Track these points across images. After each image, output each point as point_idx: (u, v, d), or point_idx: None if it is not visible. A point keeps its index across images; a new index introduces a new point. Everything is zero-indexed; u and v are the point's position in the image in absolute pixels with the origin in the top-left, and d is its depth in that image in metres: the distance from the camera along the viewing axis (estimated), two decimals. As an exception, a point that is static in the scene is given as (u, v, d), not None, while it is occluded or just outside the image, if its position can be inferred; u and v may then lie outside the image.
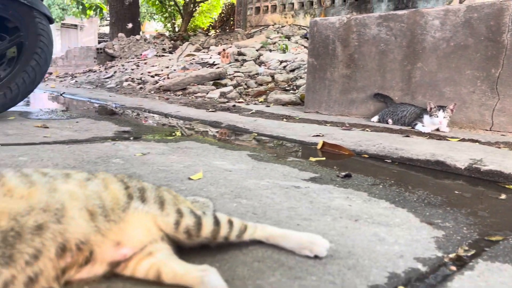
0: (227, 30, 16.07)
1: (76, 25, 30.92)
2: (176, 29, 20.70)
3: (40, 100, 6.50)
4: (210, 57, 9.76)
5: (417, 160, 2.66)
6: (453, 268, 1.17)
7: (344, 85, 5.02)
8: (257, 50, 10.12)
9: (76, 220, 0.96)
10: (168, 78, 8.48)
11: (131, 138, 3.20)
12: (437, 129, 3.82)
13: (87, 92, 7.71)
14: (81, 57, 12.17)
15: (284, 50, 9.97)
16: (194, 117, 4.73)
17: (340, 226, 1.47)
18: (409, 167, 2.60)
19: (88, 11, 14.45)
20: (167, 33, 16.09)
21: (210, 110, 5.38)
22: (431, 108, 3.79)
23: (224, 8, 21.94)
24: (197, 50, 11.13)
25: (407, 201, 1.82)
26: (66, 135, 3.18)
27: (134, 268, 1.00)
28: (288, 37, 11.45)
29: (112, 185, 1.10)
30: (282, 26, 12.84)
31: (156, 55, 10.95)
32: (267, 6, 13.90)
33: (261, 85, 7.63)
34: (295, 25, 12.78)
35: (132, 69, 9.79)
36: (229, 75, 8.19)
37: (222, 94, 7.07)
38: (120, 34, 12.72)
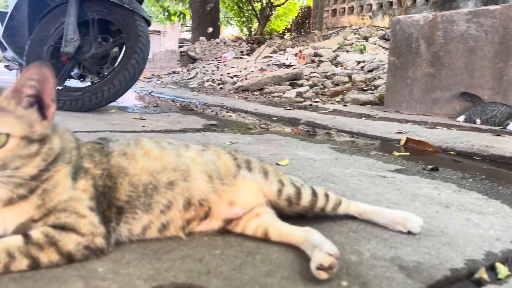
0: (303, 33, 16.14)
1: (159, 31, 32.95)
2: (252, 33, 21.21)
3: (132, 97, 7.11)
4: (287, 59, 9.91)
5: (510, 158, 2.54)
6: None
7: (427, 83, 4.86)
8: (333, 51, 10.08)
9: (198, 180, 1.11)
10: (246, 78, 8.78)
11: (218, 130, 3.42)
12: (533, 130, 3.56)
13: (172, 91, 8.25)
14: (166, 60, 13.03)
15: (361, 51, 9.82)
16: (273, 114, 4.88)
17: (430, 210, 1.49)
18: (501, 164, 2.49)
19: (172, 17, 15.45)
20: (243, 37, 16.59)
21: (287, 108, 5.51)
22: (526, 107, 3.55)
23: (299, 11, 22.06)
24: (274, 52, 11.36)
25: (500, 194, 1.78)
26: (160, 126, 3.49)
27: (244, 226, 1.13)
28: (365, 38, 11.24)
29: (223, 155, 1.25)
30: (359, 28, 12.62)
31: (235, 57, 11.37)
32: (344, 8, 13.74)
33: (338, 85, 7.61)
34: (373, 26, 12.50)
35: (213, 71, 10.28)
36: (305, 75, 8.26)
37: (299, 94, 7.17)
38: (201, 38, 13.40)
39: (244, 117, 4.71)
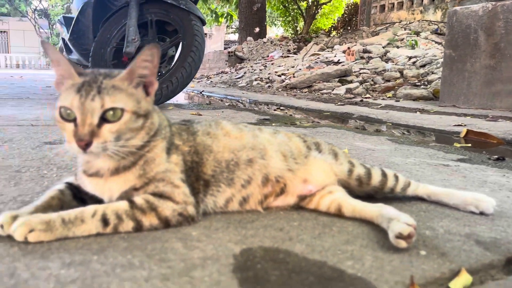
0: (349, 30, 15.90)
1: (205, 34, 33.74)
2: (298, 32, 21.17)
3: (185, 97, 7.37)
4: (335, 56, 9.84)
5: None
6: None
7: (486, 76, 4.67)
8: (383, 47, 9.87)
9: (274, 158, 1.19)
10: (294, 76, 8.81)
11: (272, 124, 3.50)
12: None
13: (222, 90, 8.47)
14: (214, 60, 13.35)
15: (413, 46, 9.54)
16: (324, 109, 4.89)
17: (500, 195, 1.47)
18: None
19: (220, 19, 15.79)
20: (289, 36, 16.61)
21: (338, 104, 5.49)
22: None
23: (346, 9, 21.74)
24: (321, 49, 11.30)
25: None
26: (217, 120, 3.62)
27: (318, 203, 1.19)
28: (416, 33, 10.91)
29: (293, 138, 1.32)
30: (410, 23, 12.26)
31: (282, 56, 11.44)
32: (393, 4, 13.41)
33: (389, 81, 7.46)
34: (424, 20, 12.10)
35: (260, 70, 10.41)
36: (355, 72, 8.17)
37: (348, 90, 7.11)
38: (248, 38, 13.61)
39: (295, 113, 4.76)
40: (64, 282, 0.73)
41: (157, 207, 0.98)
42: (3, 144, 1.95)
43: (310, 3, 19.32)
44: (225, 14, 15.86)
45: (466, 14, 4.84)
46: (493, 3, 4.70)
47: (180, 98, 6.75)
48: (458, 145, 2.64)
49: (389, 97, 6.45)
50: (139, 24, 4.32)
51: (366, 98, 6.36)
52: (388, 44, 10.20)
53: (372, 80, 7.51)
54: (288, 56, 11.45)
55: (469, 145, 2.67)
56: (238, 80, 10.07)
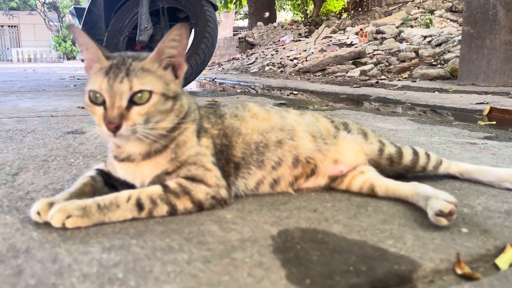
0: (361, 11, 15.60)
1: (215, 20, 33.48)
2: (308, 15, 20.86)
3: (198, 84, 7.36)
4: (347, 38, 9.68)
5: None
6: None
7: (507, 53, 4.55)
8: (396, 27, 9.68)
9: (304, 139, 1.17)
10: (307, 60, 8.71)
11: (289, 108, 3.46)
12: None
13: (234, 77, 8.42)
14: (225, 47, 13.27)
15: (427, 25, 9.33)
16: (340, 92, 4.84)
17: (534, 172, 1.43)
18: None
19: (229, 5, 15.63)
20: (299, 20, 16.36)
21: (354, 86, 5.42)
22: None
23: (357, -11, 21.27)
24: (333, 32, 11.13)
25: None
26: (233, 106, 3.60)
27: (349, 183, 1.17)
28: (431, 12, 10.65)
29: (321, 118, 1.29)
30: (423, 1, 11.97)
31: (293, 40, 11.31)
32: (406, -18, 13.08)
33: (404, 61, 7.33)
34: (439, -2, 11.79)
35: (272, 55, 10.32)
36: (368, 53, 8.04)
37: (363, 72, 7.01)
38: (258, 23, 13.46)
39: (310, 97, 4.71)
40: (107, 265, 0.72)
41: (190, 190, 0.97)
42: (26, 134, 1.97)
43: (320, -15, 18.95)
44: (235, 0, 15.69)
45: (485, -11, 4.69)
46: (513, -24, 4.55)
47: (193, 86, 6.74)
48: (482, 123, 2.58)
49: (404, 77, 6.34)
50: (150, 12, 4.29)
51: (381, 79, 6.26)
52: (402, 24, 9.99)
53: (387, 61, 7.38)
54: (300, 40, 11.31)
55: (494, 123, 2.61)
56: (250, 66, 10.00)
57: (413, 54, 7.40)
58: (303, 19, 19.03)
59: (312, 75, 7.71)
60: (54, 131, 2.09)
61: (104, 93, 0.92)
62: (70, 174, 1.32)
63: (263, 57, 10.38)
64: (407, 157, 1.24)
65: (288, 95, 4.93)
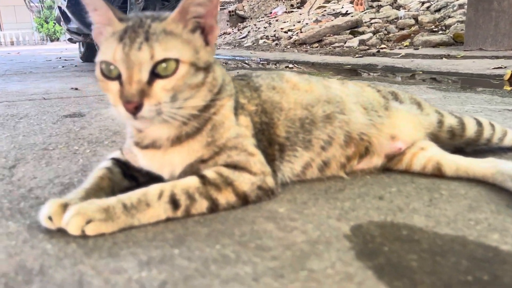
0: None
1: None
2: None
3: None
4: (342, 7, 9.38)
5: None
6: None
7: (517, 14, 4.35)
8: (392, -6, 9.37)
9: (355, 112, 0.99)
10: (302, 32, 8.42)
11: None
12: None
13: (227, 52, 8.12)
14: (214, 21, 12.78)
15: (424, -10, 9.03)
16: (344, 62, 4.63)
17: None
18: None
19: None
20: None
21: (356, 56, 5.20)
22: None
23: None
24: (326, 1, 10.77)
25: None
26: (236, 81, 3.39)
27: (409, 162, 1.00)
28: (426, -24, 10.32)
29: (365, 87, 1.11)
30: (417, -34, 11.59)
31: (286, 12, 10.93)
32: None
33: (403, 29, 7.09)
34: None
35: (265, 27, 9.98)
36: (366, 22, 7.77)
37: (361, 42, 6.77)
38: (248, -5, 12.96)
39: (313, 69, 4.50)
40: (151, 289, 0.55)
41: (233, 181, 0.80)
42: (19, 120, 1.76)
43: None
44: (221, -28, 15.10)
45: None
46: None
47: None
48: (509, 88, 2.41)
49: (406, 45, 6.13)
50: (141, -16, 4.00)
51: (382, 48, 6.04)
52: (398, -10, 9.68)
53: (385, 30, 7.14)
54: (292, 11, 10.94)
55: (520, 87, 2.45)
56: (243, 40, 9.68)
57: (412, 21, 7.15)
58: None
59: (309, 46, 7.46)
60: (50, 115, 1.88)
61: (119, 64, 0.73)
62: (76, 164, 1.13)
63: (256, 30, 10.05)
64: (471, 128, 1.07)
65: (292, 69, 4.71)
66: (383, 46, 6.37)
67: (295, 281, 0.56)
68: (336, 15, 8.96)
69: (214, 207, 0.78)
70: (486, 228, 0.70)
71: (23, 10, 29.60)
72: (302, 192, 0.89)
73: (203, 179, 0.78)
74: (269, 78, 1.01)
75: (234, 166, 0.81)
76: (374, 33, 7.13)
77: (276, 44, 8.38)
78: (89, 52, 6.28)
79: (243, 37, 9.83)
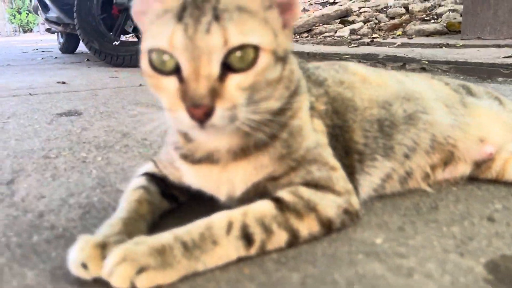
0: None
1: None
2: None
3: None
4: (329, -4, 9.20)
5: None
6: None
7: (516, 2, 4.27)
8: (379, -17, 9.26)
9: (438, 111, 0.82)
10: (289, 21, 8.23)
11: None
12: None
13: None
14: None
15: (411, -21, 8.95)
16: (341, 52, 4.47)
17: None
18: None
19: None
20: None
21: (352, 46, 5.05)
22: None
23: None
24: (312, -10, 10.59)
25: None
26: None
27: (501, 170, 0.83)
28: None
29: (430, 80, 0.94)
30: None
31: None
32: None
33: (393, 18, 6.98)
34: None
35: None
36: (355, 11, 7.64)
37: (352, 32, 6.63)
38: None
39: (309, 59, 4.32)
40: None
41: (316, 204, 0.62)
42: (7, 120, 1.53)
43: None
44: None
45: None
46: None
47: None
48: (531, 78, 2.30)
49: (398, 35, 6.02)
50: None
51: (374, 38, 5.92)
52: (384, -22, 9.57)
53: (376, 19, 7.02)
54: None
55: (540, 77, 2.34)
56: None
57: (403, 10, 7.06)
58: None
59: (298, 36, 7.28)
60: (41, 113, 1.65)
61: (178, 53, 0.53)
62: (90, 177, 0.93)
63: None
64: None
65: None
66: (375, 35, 6.25)
67: None
68: (324, 4, 8.80)
69: (293, 240, 0.60)
70: None
71: (-7, 0, 28.30)
72: (388, 212, 0.72)
73: (280, 203, 0.60)
74: (332, 70, 0.82)
75: (315, 185, 0.63)
76: (365, 22, 7.00)
77: (264, 34, 8.17)
78: (69, 43, 5.95)
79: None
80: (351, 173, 0.71)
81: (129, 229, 0.59)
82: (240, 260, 0.57)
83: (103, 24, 3.83)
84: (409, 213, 0.71)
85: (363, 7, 7.83)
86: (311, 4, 8.88)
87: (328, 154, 0.66)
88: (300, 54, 4.84)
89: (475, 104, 0.89)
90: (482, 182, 0.84)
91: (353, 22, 7.15)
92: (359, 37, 6.29)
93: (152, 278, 0.51)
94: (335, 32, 6.85)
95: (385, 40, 5.55)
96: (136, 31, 4.49)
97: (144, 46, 0.56)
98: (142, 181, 0.71)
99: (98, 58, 3.83)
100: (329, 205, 0.63)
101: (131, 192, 0.68)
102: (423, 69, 2.95)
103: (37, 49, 7.08)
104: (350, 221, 0.65)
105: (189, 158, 0.65)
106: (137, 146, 1.16)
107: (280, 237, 0.59)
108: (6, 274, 0.55)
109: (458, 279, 0.52)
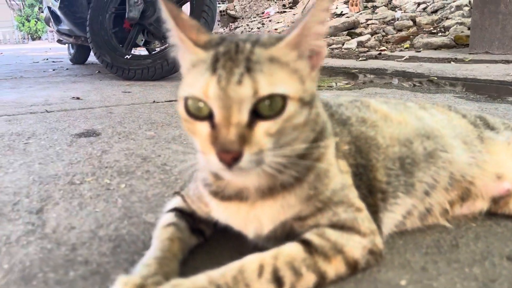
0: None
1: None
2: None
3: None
4: (336, 7, 9.27)
5: None
6: None
7: (524, 17, 4.29)
8: (386, -6, 9.32)
9: (456, 149, 0.84)
10: (297, 32, 8.29)
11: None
12: None
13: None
14: (205, 21, 12.59)
15: (418, -9, 9.00)
16: (349, 66, 4.50)
17: None
18: None
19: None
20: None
21: (360, 59, 5.08)
22: None
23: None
24: (319, 1, 10.67)
25: None
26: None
27: (518, 205, 0.86)
28: (419, -23, 10.30)
29: (449, 113, 0.97)
30: (409, -34, 11.58)
31: (278, 12, 10.79)
32: None
33: (401, 30, 7.01)
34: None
35: (258, 28, 9.81)
36: (362, 23, 7.68)
37: (360, 44, 6.67)
38: (238, -5, 12.79)
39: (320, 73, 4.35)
40: None
41: (343, 246, 0.64)
42: (28, 141, 1.57)
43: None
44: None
45: (500, -51, 4.38)
46: None
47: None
48: (541, 98, 2.31)
49: (406, 47, 6.05)
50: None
51: (382, 50, 5.95)
52: (392, -10, 9.63)
53: (383, 31, 7.06)
54: (285, 12, 10.81)
55: (551, 97, 2.35)
56: (235, 40, 9.51)
57: (410, 23, 7.09)
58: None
59: (305, 48, 7.33)
60: (60, 133, 1.69)
61: (212, 102, 0.56)
62: (116, 206, 0.96)
63: (249, 31, 9.88)
64: None
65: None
66: (383, 48, 6.28)
67: None
68: (331, 15, 8.86)
69: (321, 281, 0.62)
70: None
71: (3, 8, 28.78)
72: (409, 250, 0.74)
73: (308, 246, 0.63)
74: (354, 107, 0.85)
75: (341, 226, 0.66)
76: (372, 34, 7.04)
77: (271, 45, 8.23)
78: (80, 54, 6.06)
79: (236, 38, 9.66)
80: (375, 212, 0.74)
81: (164, 269, 0.62)
82: (271, 302, 0.59)
83: (115, 38, 3.90)
84: (430, 252, 0.73)
85: (370, 19, 7.88)
86: (318, 16, 8.94)
87: (353, 195, 0.69)
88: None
89: (493, 139, 0.92)
90: (500, 217, 0.86)
91: (360, 34, 7.19)
92: (366, 49, 6.33)
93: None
94: (343, 44, 6.89)
95: (392, 53, 5.58)
96: (146, 44, 4.56)
97: (181, 93, 0.60)
98: (172, 218, 0.74)
99: (109, 71, 3.89)
100: (355, 247, 0.65)
101: (162, 229, 0.71)
102: (431, 81, 2.98)
103: (47, 59, 7.18)
104: (374, 261, 0.68)
105: (219, 195, 0.68)
106: (158, 172, 1.19)
107: (309, 279, 0.61)
108: (48, 314, 0.58)
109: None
